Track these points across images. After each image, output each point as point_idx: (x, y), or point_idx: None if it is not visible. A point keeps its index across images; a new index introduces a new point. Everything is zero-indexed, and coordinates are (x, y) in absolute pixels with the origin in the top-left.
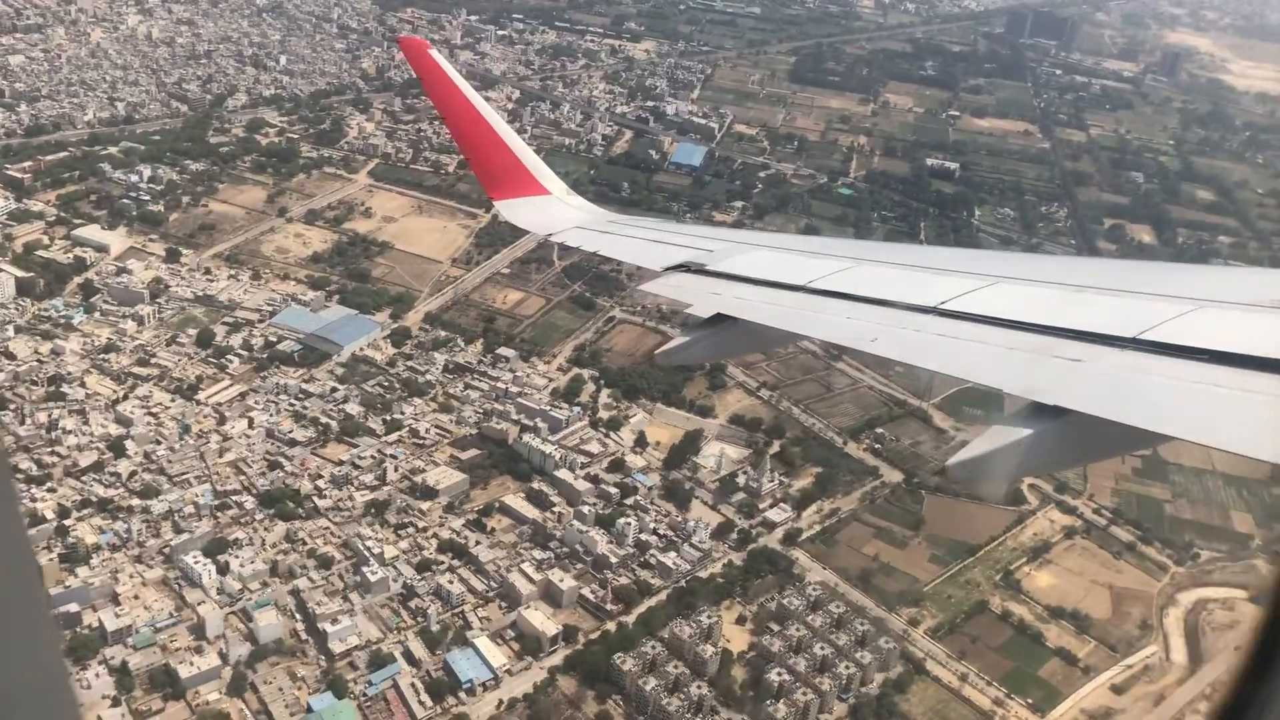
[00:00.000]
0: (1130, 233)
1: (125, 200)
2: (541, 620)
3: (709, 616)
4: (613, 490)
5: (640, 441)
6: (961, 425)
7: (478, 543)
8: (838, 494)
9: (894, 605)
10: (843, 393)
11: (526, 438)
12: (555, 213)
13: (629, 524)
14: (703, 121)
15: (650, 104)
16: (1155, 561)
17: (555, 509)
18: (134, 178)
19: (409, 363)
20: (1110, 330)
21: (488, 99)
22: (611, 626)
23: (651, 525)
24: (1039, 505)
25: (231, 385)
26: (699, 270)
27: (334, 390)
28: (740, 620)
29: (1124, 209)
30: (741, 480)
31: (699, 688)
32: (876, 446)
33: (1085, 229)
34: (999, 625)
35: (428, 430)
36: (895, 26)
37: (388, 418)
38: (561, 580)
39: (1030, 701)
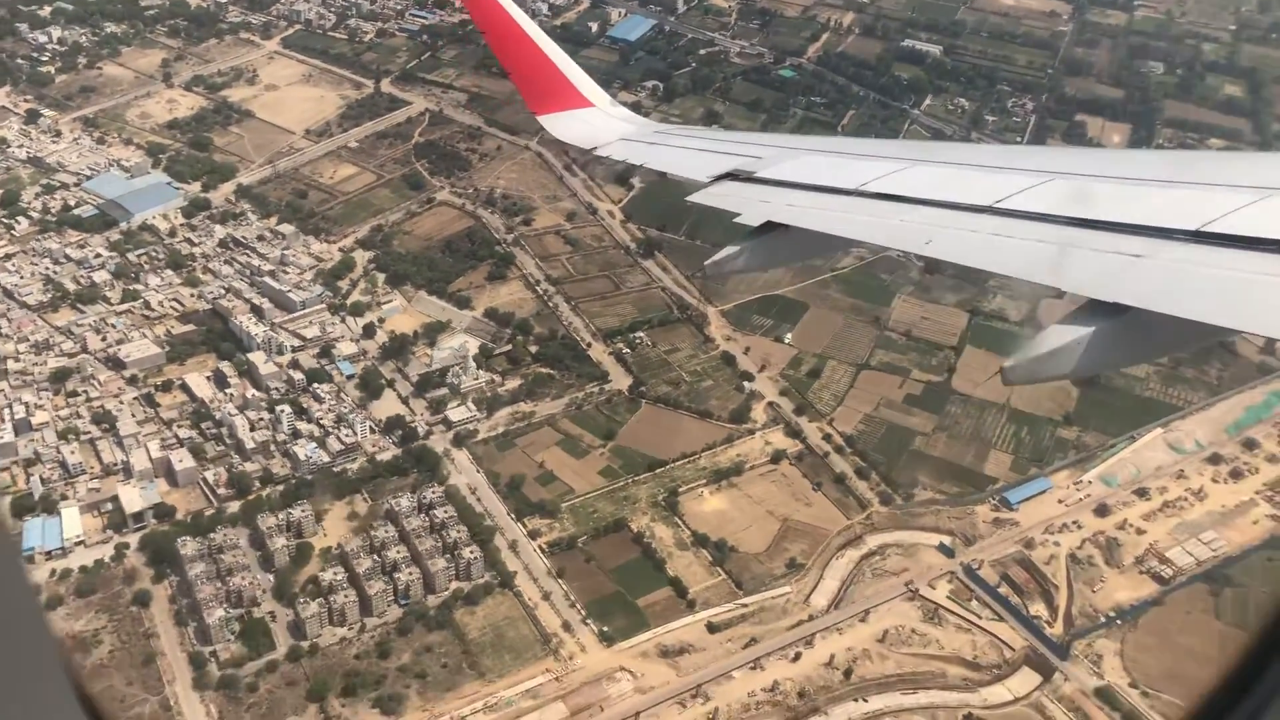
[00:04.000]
0: (1098, 133)
1: (21, 61)
2: (132, 497)
3: (302, 510)
4: (299, 376)
5: (369, 329)
6: (736, 334)
7: (133, 416)
8: (547, 397)
9: (524, 515)
10: (630, 292)
11: (242, 318)
12: (599, 125)
13: (283, 411)
14: None
15: None
16: (860, 498)
17: (229, 390)
18: (42, 38)
19: (190, 235)
20: (1171, 224)
21: None
22: (211, 510)
23: (317, 414)
24: (764, 425)
25: (4, 247)
26: (747, 178)
27: (97, 256)
28: (351, 517)
29: (1111, 105)
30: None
31: (243, 578)
32: (625, 351)
33: (1043, 126)
34: (628, 547)
35: (161, 303)
36: None
37: (129, 288)
38: (180, 461)
39: (604, 630)
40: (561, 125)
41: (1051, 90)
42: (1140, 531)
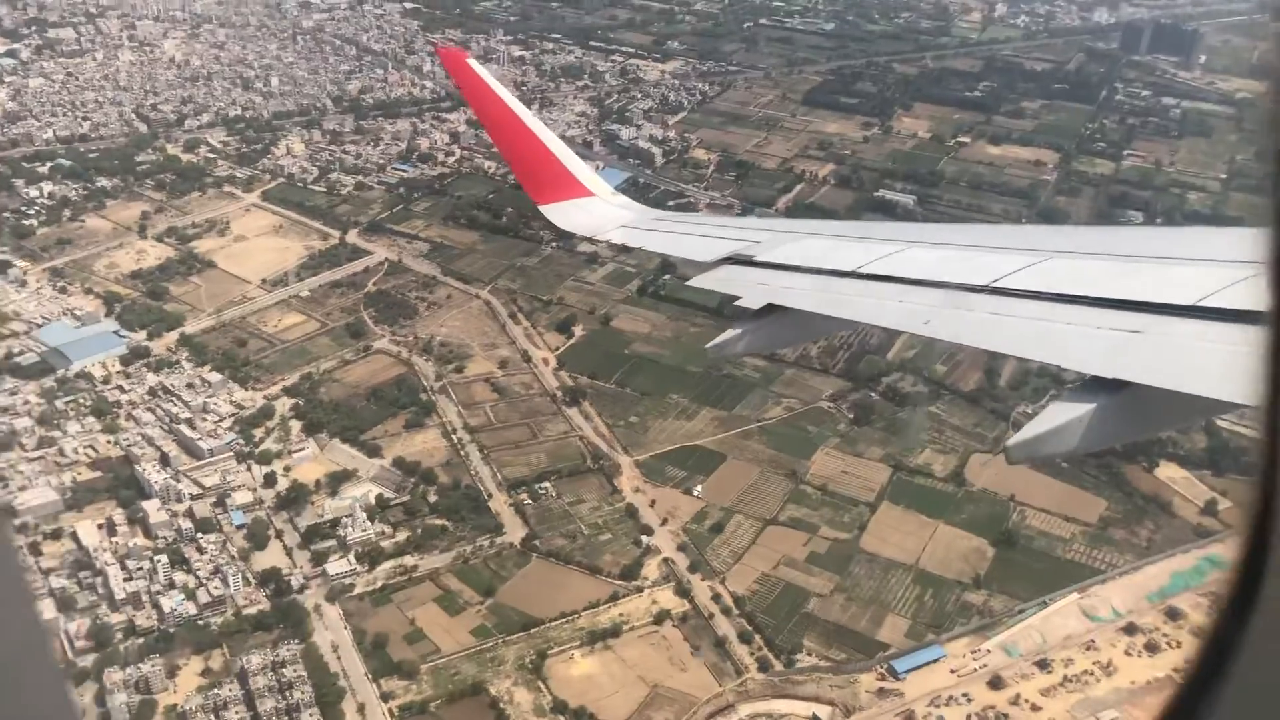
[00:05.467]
0: None
1: (7, 214)
2: None
3: (153, 665)
4: (186, 525)
5: (271, 478)
6: (646, 486)
7: None
8: (435, 550)
9: (382, 676)
10: (547, 441)
11: (147, 465)
12: (600, 213)
13: (160, 561)
14: (646, 146)
15: (615, 127)
16: (738, 663)
17: (117, 539)
18: (34, 193)
19: (122, 382)
20: (1168, 299)
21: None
22: (63, 664)
23: (197, 565)
24: (654, 583)
25: None
26: (747, 261)
27: (25, 403)
28: (206, 673)
29: None
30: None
31: None
32: (527, 502)
33: None
34: (482, 713)
35: (75, 450)
36: (986, 43)
37: (47, 434)
38: (43, 612)
39: None
40: (563, 214)
41: None
42: (1035, 708)
